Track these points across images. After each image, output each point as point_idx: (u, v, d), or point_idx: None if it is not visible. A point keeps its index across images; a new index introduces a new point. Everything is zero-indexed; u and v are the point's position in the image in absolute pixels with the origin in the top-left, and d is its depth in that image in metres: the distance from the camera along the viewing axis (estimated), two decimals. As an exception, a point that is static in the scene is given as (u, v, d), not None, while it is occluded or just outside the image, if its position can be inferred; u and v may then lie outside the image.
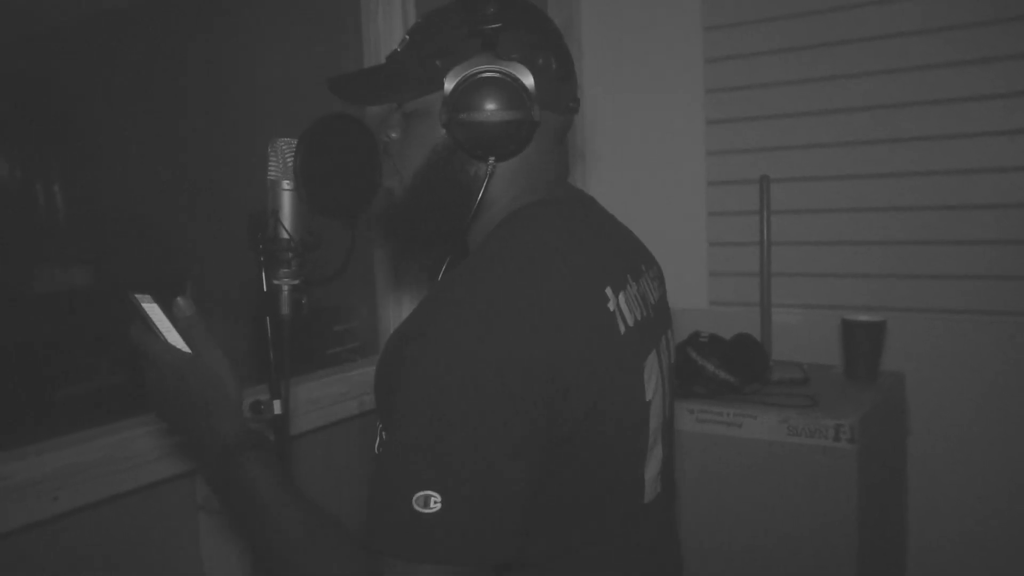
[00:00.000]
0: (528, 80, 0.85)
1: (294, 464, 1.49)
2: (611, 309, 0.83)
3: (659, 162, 2.31)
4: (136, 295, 0.87)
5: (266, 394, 1.16)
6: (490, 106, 0.85)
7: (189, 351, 0.88)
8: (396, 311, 1.88)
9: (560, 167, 0.95)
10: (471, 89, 0.85)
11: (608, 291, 0.84)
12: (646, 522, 0.91)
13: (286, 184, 1.10)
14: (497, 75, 0.85)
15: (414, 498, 0.69)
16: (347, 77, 0.96)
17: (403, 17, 1.79)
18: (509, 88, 0.85)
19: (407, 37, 0.94)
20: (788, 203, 2.11)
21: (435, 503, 0.69)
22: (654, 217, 2.30)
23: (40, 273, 2.81)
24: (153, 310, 0.88)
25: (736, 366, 1.77)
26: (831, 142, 2.08)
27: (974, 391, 1.95)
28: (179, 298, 0.88)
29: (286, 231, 1.11)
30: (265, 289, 1.13)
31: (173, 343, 0.88)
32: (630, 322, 0.86)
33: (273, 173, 1.10)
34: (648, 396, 0.88)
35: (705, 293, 2.27)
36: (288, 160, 1.08)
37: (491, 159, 0.87)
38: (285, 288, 1.13)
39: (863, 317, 1.89)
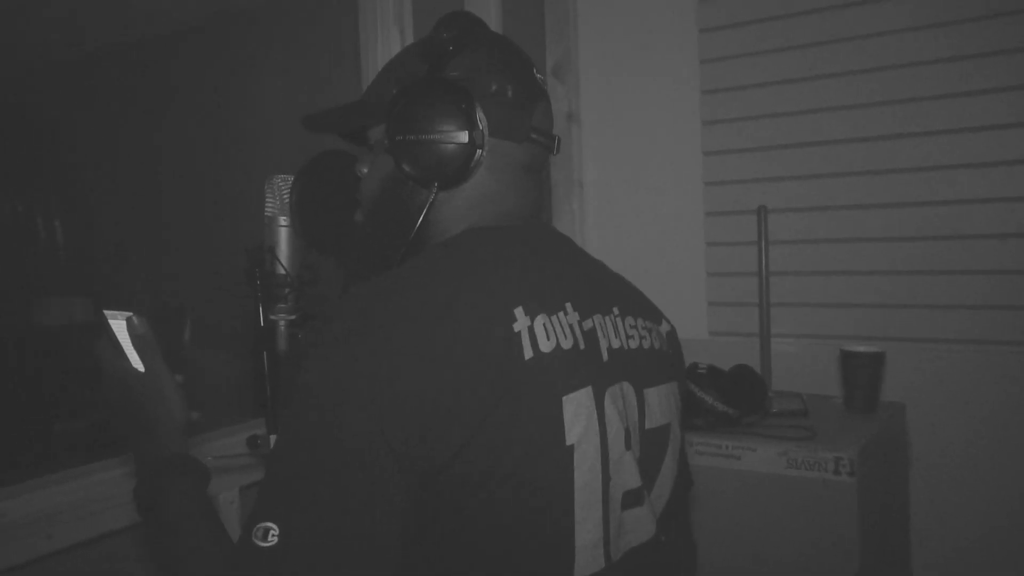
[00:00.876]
0: (472, 102, 0.82)
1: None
2: (516, 330, 0.74)
3: (657, 192, 2.32)
4: (107, 312, 0.90)
5: (263, 428, 1.16)
6: (429, 127, 0.82)
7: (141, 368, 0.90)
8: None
9: (526, 201, 0.89)
10: (409, 110, 0.83)
11: (518, 311, 0.75)
12: None
13: (283, 220, 1.11)
14: (434, 95, 0.83)
15: (255, 528, 0.67)
16: (324, 112, 0.96)
17: (401, 52, 1.81)
18: (448, 109, 0.82)
19: (380, 70, 0.95)
20: (786, 233, 2.12)
21: (272, 536, 0.67)
22: (653, 247, 2.31)
23: (40, 305, 2.83)
24: (120, 327, 0.90)
25: (735, 398, 1.76)
26: (828, 172, 2.09)
27: (976, 420, 1.94)
28: (132, 316, 0.90)
29: (283, 267, 1.11)
30: (262, 324, 1.13)
31: (135, 361, 0.90)
32: (544, 348, 0.76)
33: (270, 209, 1.11)
34: (570, 440, 0.75)
35: (705, 323, 2.27)
36: (284, 197, 1.10)
37: (433, 186, 0.84)
38: (282, 323, 1.14)
39: (862, 348, 1.88)
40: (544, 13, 2.29)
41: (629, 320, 0.90)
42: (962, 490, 1.95)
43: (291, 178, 1.09)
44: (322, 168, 1.09)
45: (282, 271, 1.11)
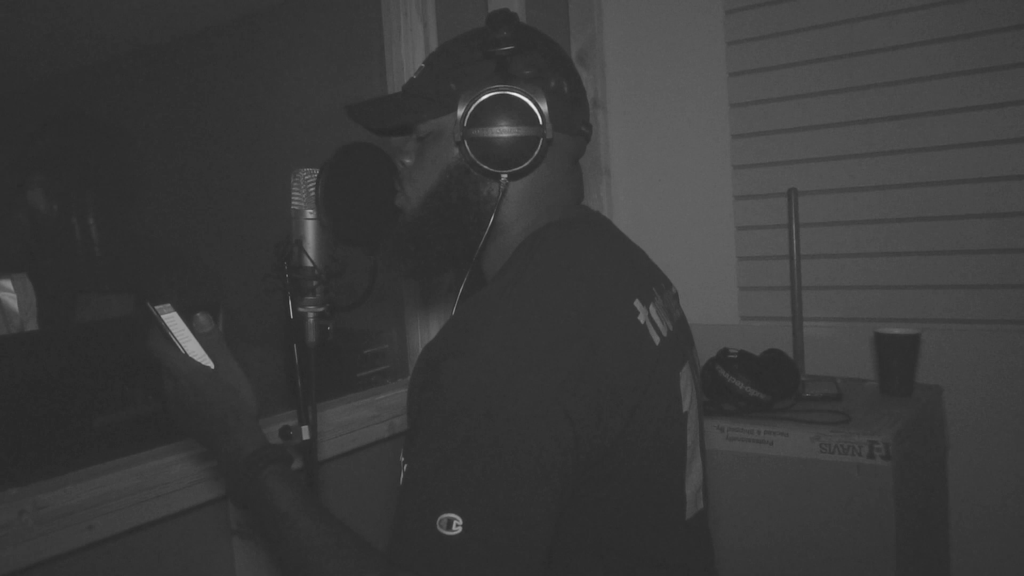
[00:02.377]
0: (540, 99, 0.87)
1: (324, 488, 1.50)
2: (641, 321, 0.85)
3: (685, 177, 2.31)
4: (155, 306, 0.91)
5: (295, 420, 1.18)
6: (503, 123, 0.87)
7: (208, 364, 0.91)
8: (424, 333, 1.89)
9: (575, 189, 0.98)
10: (484, 107, 0.88)
11: (637, 303, 0.86)
12: (688, 540, 0.91)
13: (309, 213, 1.12)
14: (510, 93, 0.87)
15: (438, 520, 0.70)
16: (366, 103, 0.98)
17: (425, 46, 1.81)
18: (522, 106, 0.87)
19: (423, 65, 0.97)
20: (817, 215, 2.09)
21: (457, 526, 0.69)
22: (682, 233, 2.29)
23: (80, 303, 2.89)
24: (172, 320, 0.91)
25: (766, 383, 1.75)
26: (859, 153, 2.05)
27: (1015, 402, 1.90)
28: (199, 314, 0.93)
29: (310, 259, 1.13)
30: (291, 317, 1.15)
31: (192, 355, 0.90)
32: (663, 333, 0.88)
33: (296, 203, 1.12)
34: (685, 407, 0.89)
35: (736, 308, 2.25)
36: (310, 190, 1.11)
37: (504, 176, 0.89)
38: (311, 315, 1.15)
39: (897, 330, 1.86)
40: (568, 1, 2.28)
41: (667, 294, 1.00)
42: (1001, 474, 1.92)
43: (316, 171, 1.10)
44: (347, 160, 1.10)
45: (309, 264, 1.12)
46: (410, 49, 1.81)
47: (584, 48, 2.31)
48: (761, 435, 1.65)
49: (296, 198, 1.12)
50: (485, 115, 0.88)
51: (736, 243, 2.25)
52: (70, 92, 3.50)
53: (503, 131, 0.87)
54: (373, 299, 1.21)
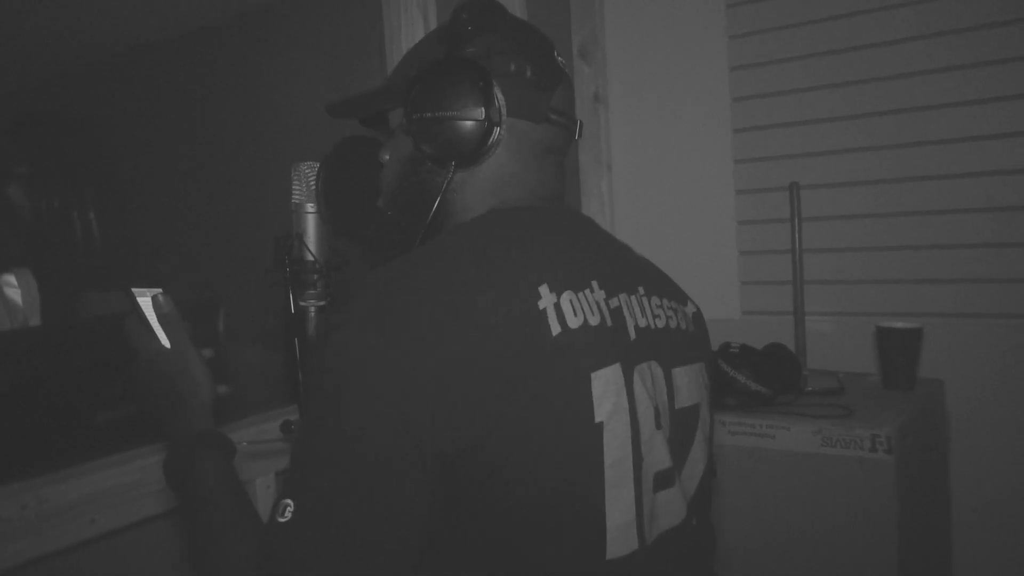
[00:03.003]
0: (489, 81, 0.82)
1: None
2: (541, 307, 0.74)
3: (687, 172, 2.30)
4: (136, 289, 0.92)
5: (296, 414, 1.18)
6: (447, 105, 0.82)
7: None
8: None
9: (547, 181, 0.89)
10: (427, 88, 0.83)
11: (543, 288, 0.75)
12: None
13: (310, 207, 1.12)
14: (452, 72, 0.83)
15: (277, 504, 0.69)
16: (345, 99, 0.96)
17: (426, 41, 1.81)
18: (466, 87, 0.82)
19: (401, 59, 0.95)
20: (819, 209, 2.09)
21: (288, 511, 0.68)
22: (684, 227, 2.29)
23: (82, 301, 2.89)
24: (147, 305, 0.92)
25: (768, 376, 1.75)
26: (861, 146, 2.05)
27: (1017, 396, 1.90)
28: (157, 294, 0.92)
29: (311, 253, 1.12)
30: (292, 311, 1.15)
31: (163, 339, 0.91)
32: (572, 324, 0.75)
33: (297, 197, 1.12)
34: (599, 417, 0.74)
35: (738, 303, 2.25)
36: (311, 183, 1.10)
37: (451, 164, 0.84)
38: (312, 309, 1.15)
39: (898, 324, 1.86)
40: (569, -6, 2.28)
41: (655, 300, 0.89)
42: (1003, 468, 1.92)
43: (317, 165, 1.10)
44: (347, 154, 1.10)
45: (310, 257, 1.12)
46: (410, 42, 1.81)
47: (585, 43, 2.30)
48: (763, 429, 1.65)
49: (297, 192, 1.11)
50: (428, 98, 0.83)
51: (738, 238, 2.24)
52: (71, 90, 3.50)
53: (447, 114, 0.82)
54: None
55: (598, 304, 0.80)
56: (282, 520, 0.68)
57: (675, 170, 2.32)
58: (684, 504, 0.85)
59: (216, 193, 3.10)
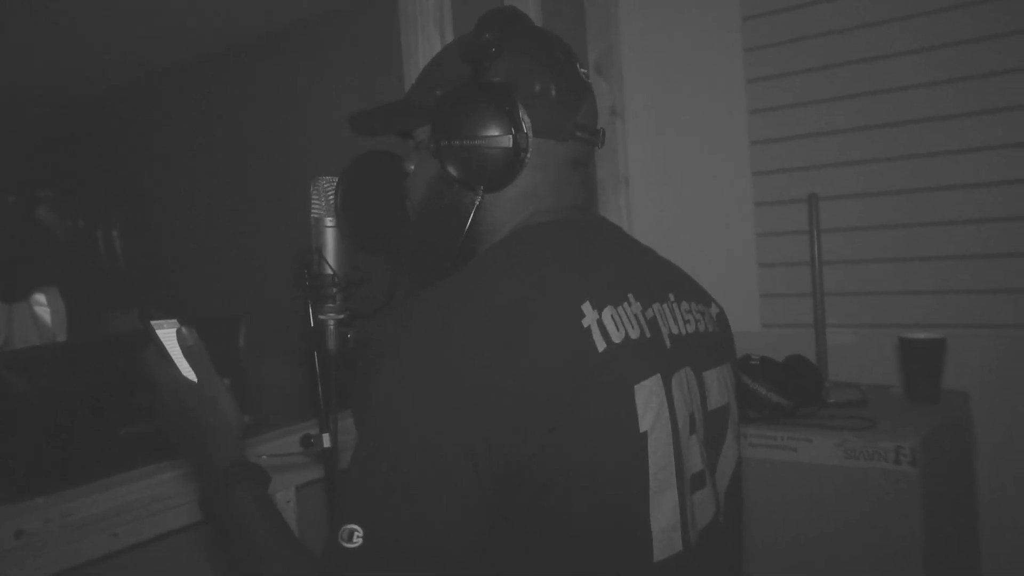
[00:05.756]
0: (515, 105, 0.83)
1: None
2: (585, 325, 0.76)
3: (705, 184, 2.30)
4: (152, 321, 0.91)
5: (316, 428, 1.18)
6: (473, 132, 0.83)
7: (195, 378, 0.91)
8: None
9: (573, 194, 0.91)
10: (452, 115, 0.84)
11: (586, 306, 0.77)
12: None
13: (329, 221, 1.13)
14: (477, 100, 0.83)
15: (341, 530, 0.69)
16: (366, 112, 0.98)
17: (443, 55, 1.82)
18: (491, 114, 0.83)
19: (423, 70, 0.96)
20: (838, 221, 2.08)
21: (357, 538, 0.68)
22: (703, 240, 2.28)
23: (106, 320, 2.93)
24: (168, 336, 0.91)
25: (789, 388, 1.73)
26: (879, 157, 2.04)
27: (1045, 408, 1.87)
28: (182, 327, 0.92)
29: (330, 267, 1.13)
30: (312, 325, 1.15)
31: (185, 370, 0.91)
32: (615, 339, 0.77)
33: (316, 211, 1.13)
34: (644, 427, 0.77)
35: (757, 315, 2.24)
36: (330, 197, 1.11)
37: (479, 188, 0.85)
38: (331, 323, 1.15)
39: (921, 335, 1.84)
40: (585, 9, 2.29)
41: (684, 305, 0.91)
42: (1033, 480, 1.88)
43: (335, 179, 1.11)
44: (365, 168, 1.11)
45: (329, 271, 1.13)
46: (427, 56, 1.82)
47: (601, 58, 2.31)
48: (784, 441, 1.63)
49: (316, 206, 1.13)
50: (454, 125, 0.84)
51: (757, 250, 2.23)
52: (92, 111, 3.55)
53: (474, 141, 0.83)
54: (393, 307, 1.22)
55: (635, 317, 0.82)
56: (351, 546, 0.68)
57: (693, 183, 2.32)
58: (715, 503, 0.88)
59: (237, 209, 3.13)
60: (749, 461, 1.66)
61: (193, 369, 0.91)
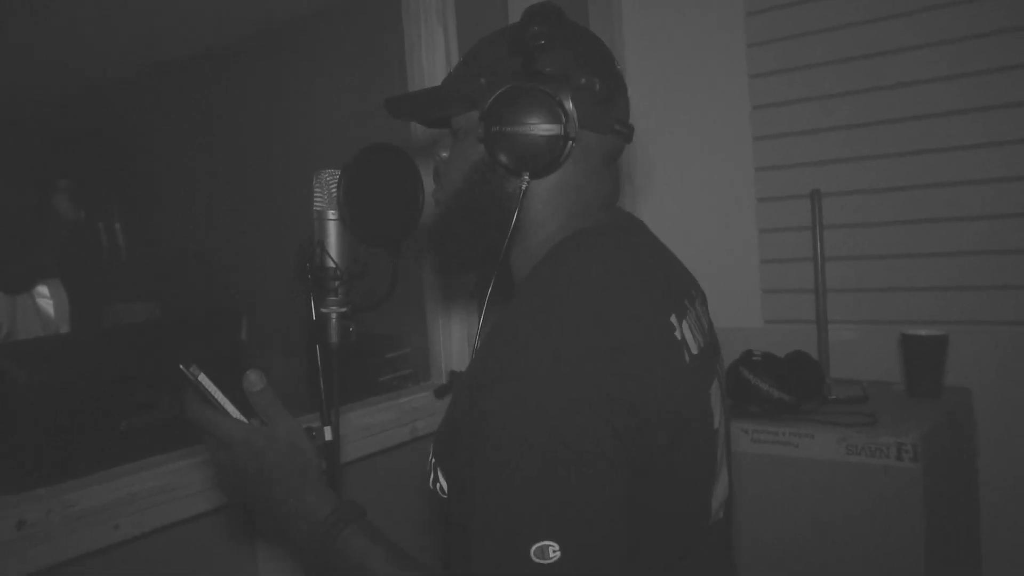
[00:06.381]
0: (564, 96, 0.86)
1: (345, 490, 1.50)
2: (678, 338, 0.83)
3: (707, 180, 2.30)
4: (186, 368, 0.85)
5: (317, 422, 1.18)
6: (524, 119, 0.86)
7: (255, 422, 0.87)
8: (446, 338, 1.89)
9: (608, 191, 0.95)
10: (505, 103, 0.87)
11: (673, 319, 0.84)
12: (709, 544, 0.91)
13: (331, 214, 1.12)
14: (531, 90, 0.86)
15: (532, 550, 0.68)
16: (403, 96, 0.99)
17: (445, 52, 1.82)
18: (543, 103, 0.86)
19: (462, 59, 0.97)
20: (841, 217, 2.07)
21: (554, 552, 0.68)
22: (705, 236, 2.28)
23: (107, 313, 2.93)
24: (207, 381, 0.85)
25: (791, 384, 1.73)
26: (882, 153, 2.03)
27: (1046, 405, 1.87)
28: (249, 371, 0.87)
29: (332, 260, 1.13)
30: (314, 318, 1.15)
31: (231, 412, 0.86)
32: (694, 350, 0.86)
33: (318, 204, 1.13)
34: (716, 424, 0.88)
35: (759, 311, 2.24)
36: (332, 190, 1.11)
37: (525, 175, 0.88)
38: (333, 316, 1.15)
39: (923, 331, 1.84)
40: (588, 5, 2.28)
41: (698, 302, 0.97)
42: (1034, 477, 1.88)
43: (338, 172, 1.11)
44: (368, 161, 1.10)
45: (332, 264, 1.13)
46: (431, 55, 1.82)
47: (604, 52, 2.31)
48: (786, 437, 1.63)
49: (318, 199, 1.12)
50: (506, 112, 0.87)
51: (759, 246, 2.23)
52: (95, 103, 3.55)
53: (524, 129, 0.86)
54: (395, 302, 1.22)
55: (695, 326, 0.91)
56: (546, 562, 0.68)
57: (696, 179, 2.31)
58: (729, 482, 0.99)
59: (239, 203, 3.13)
60: (752, 456, 1.67)
61: (266, 414, 0.87)
